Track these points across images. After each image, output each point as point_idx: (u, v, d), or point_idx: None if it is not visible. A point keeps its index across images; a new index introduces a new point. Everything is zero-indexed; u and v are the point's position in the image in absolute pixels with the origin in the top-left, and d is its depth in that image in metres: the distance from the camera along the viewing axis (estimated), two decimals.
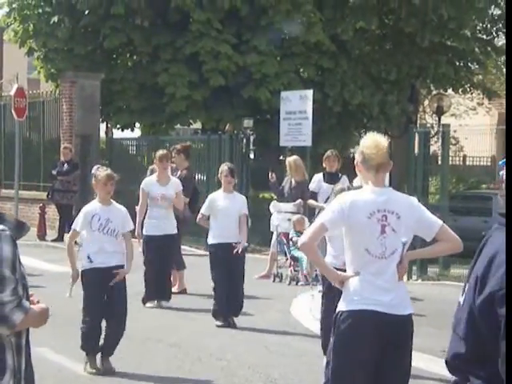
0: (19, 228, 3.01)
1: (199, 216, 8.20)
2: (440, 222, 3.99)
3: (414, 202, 4.02)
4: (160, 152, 9.14)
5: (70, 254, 6.39)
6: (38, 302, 2.95)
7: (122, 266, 6.31)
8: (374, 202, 3.90)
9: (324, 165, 10.21)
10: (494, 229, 2.14)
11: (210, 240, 8.06)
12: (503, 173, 3.44)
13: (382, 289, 3.82)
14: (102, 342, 6.30)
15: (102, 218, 6.27)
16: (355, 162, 4.05)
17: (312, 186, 10.21)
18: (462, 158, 24.51)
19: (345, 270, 6.85)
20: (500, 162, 3.83)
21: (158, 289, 8.82)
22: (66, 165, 14.78)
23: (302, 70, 18.64)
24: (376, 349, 3.78)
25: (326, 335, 6.63)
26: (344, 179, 10.11)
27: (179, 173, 9.78)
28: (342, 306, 3.89)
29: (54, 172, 14.87)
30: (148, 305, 8.86)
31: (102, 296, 6.27)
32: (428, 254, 4.55)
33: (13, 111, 16.27)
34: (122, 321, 6.28)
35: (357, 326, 3.79)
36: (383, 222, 3.87)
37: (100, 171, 6.35)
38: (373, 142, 3.98)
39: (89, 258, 6.28)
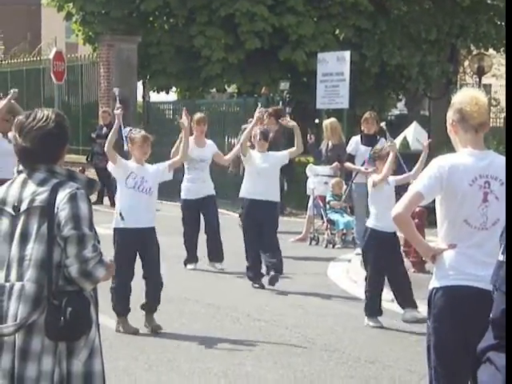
0: (90, 185, 3.11)
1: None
2: None
3: None
4: (198, 115, 9.27)
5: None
6: None
7: (153, 229, 6.40)
8: (475, 166, 3.48)
9: (362, 127, 10.14)
10: None
11: (243, 194, 8.14)
12: None
13: (481, 263, 3.39)
14: (144, 300, 6.45)
15: (138, 176, 6.39)
16: (449, 122, 3.59)
17: (349, 149, 10.17)
18: (503, 120, 24.08)
19: (387, 234, 6.77)
20: None
21: (211, 251, 8.92)
22: (105, 128, 14.92)
23: (339, 30, 18.40)
24: (479, 327, 3.25)
25: (370, 298, 6.68)
26: (382, 141, 10.05)
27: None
28: (435, 283, 3.53)
29: (94, 135, 15.05)
30: (189, 266, 9.01)
31: (133, 256, 6.36)
32: None
33: (52, 75, 16.46)
34: (157, 276, 6.37)
35: (455, 304, 3.44)
36: (486, 190, 3.48)
37: (135, 133, 6.44)
38: (472, 99, 3.54)
39: (121, 214, 6.36)
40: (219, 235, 9.00)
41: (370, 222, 6.69)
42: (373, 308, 6.64)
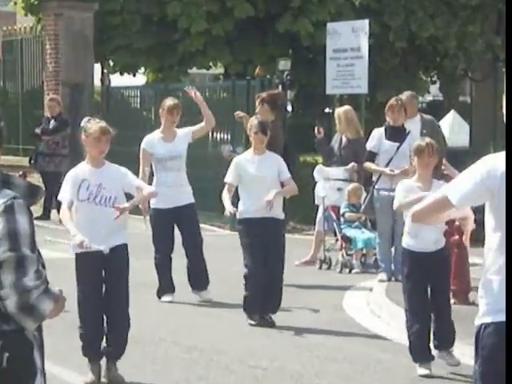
0: (31, 193, 3.08)
1: (226, 186, 8.16)
2: None
3: None
4: (170, 101, 9.07)
5: (67, 224, 6.38)
6: None
7: (124, 246, 6.39)
8: None
9: (387, 117, 10.17)
10: None
11: (240, 214, 8.11)
12: None
13: None
14: (104, 345, 6.43)
15: (92, 184, 6.33)
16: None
17: (370, 145, 10.18)
18: None
19: (424, 254, 6.84)
20: None
21: (191, 277, 8.98)
22: (52, 121, 14.93)
23: None
24: None
25: (411, 337, 6.62)
26: (413, 136, 10.07)
27: None
28: (484, 318, 3.55)
29: (38, 131, 15.03)
30: (165, 298, 8.99)
31: (100, 286, 6.36)
32: None
33: None
34: (124, 315, 6.38)
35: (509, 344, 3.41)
36: None
37: (91, 123, 6.39)
38: None
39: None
40: (202, 255, 8.99)
41: (403, 241, 6.74)
42: (417, 350, 6.59)
